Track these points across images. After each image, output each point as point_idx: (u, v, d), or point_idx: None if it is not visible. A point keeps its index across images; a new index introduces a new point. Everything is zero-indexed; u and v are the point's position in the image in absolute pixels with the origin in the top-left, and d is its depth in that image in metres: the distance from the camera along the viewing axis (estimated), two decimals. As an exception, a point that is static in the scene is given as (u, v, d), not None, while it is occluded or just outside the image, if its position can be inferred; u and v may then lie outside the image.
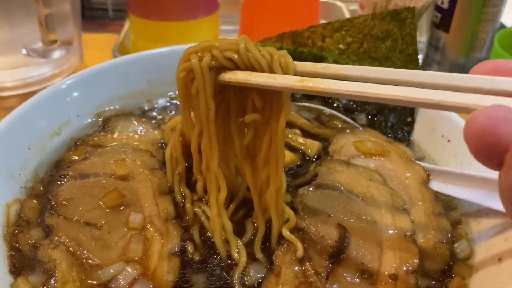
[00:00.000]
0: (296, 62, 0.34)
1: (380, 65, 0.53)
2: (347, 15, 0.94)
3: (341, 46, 0.54)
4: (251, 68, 0.35)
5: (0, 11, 0.72)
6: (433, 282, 0.37)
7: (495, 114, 0.24)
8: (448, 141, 0.48)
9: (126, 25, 0.86)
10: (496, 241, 0.37)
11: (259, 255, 0.38)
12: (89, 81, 0.52)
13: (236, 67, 0.36)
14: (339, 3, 0.98)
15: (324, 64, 0.33)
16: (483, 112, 0.24)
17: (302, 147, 0.50)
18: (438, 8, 0.79)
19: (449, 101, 0.27)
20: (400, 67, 0.52)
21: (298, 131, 0.52)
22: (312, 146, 0.50)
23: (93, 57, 0.88)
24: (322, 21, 0.98)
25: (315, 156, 0.49)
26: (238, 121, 0.38)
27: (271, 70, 0.34)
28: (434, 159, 0.49)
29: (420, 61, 0.86)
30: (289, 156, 0.48)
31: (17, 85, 0.77)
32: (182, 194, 0.43)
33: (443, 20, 0.79)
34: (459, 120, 0.47)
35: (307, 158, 0.49)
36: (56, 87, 0.50)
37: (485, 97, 0.26)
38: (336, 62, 0.55)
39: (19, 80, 0.77)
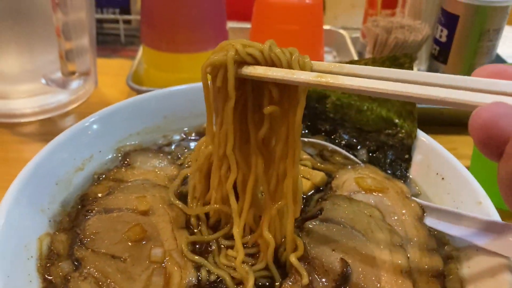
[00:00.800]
0: (312, 62, 0.38)
1: (379, 106, 0.57)
2: (349, 43, 0.99)
3: (343, 86, 0.58)
4: (271, 64, 0.39)
5: (23, 44, 0.77)
6: (426, 313, 0.40)
7: (497, 110, 0.27)
8: (442, 178, 0.51)
9: (139, 54, 0.90)
10: (484, 279, 0.40)
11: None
12: (109, 118, 0.56)
13: (256, 62, 0.39)
14: (342, 31, 1.03)
15: (338, 64, 0.37)
16: (486, 107, 0.28)
17: (309, 177, 0.54)
18: (436, 41, 0.84)
19: (453, 98, 0.30)
20: (398, 107, 0.56)
21: (309, 163, 0.56)
22: (316, 176, 0.54)
23: (107, 83, 0.93)
24: (326, 48, 1.03)
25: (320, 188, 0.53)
26: (255, 115, 0.41)
27: (290, 67, 0.38)
28: (429, 196, 0.52)
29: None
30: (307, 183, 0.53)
31: (35, 112, 0.82)
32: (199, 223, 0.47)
33: (441, 52, 0.83)
34: (453, 159, 0.51)
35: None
36: (79, 126, 0.54)
37: (487, 95, 0.30)
38: (339, 100, 0.60)
39: (38, 107, 0.82)
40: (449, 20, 0.80)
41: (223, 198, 0.45)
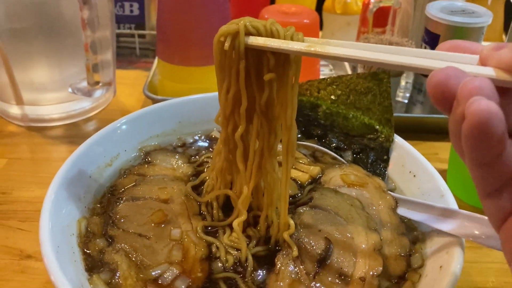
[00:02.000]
0: (304, 38, 0.45)
1: (363, 114, 0.67)
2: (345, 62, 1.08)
3: (332, 97, 0.68)
4: (270, 36, 0.45)
5: (53, 58, 0.87)
6: (392, 284, 0.50)
7: (448, 71, 0.31)
8: (414, 176, 0.61)
9: (153, 66, 1.00)
10: (441, 254, 0.49)
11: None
12: (133, 122, 0.66)
13: (259, 34, 0.45)
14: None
15: (326, 40, 0.43)
16: (440, 70, 0.31)
17: (307, 171, 0.64)
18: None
19: (419, 64, 0.36)
20: (378, 116, 0.66)
21: (305, 160, 0.66)
22: (313, 170, 0.64)
23: (124, 93, 1.03)
24: (323, 62, 1.13)
25: (315, 179, 0.63)
26: (257, 81, 0.48)
27: (285, 39, 0.45)
28: (403, 190, 0.61)
29: (406, 100, 0.99)
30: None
31: (62, 117, 0.91)
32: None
33: (424, 67, 0.92)
34: (423, 159, 0.61)
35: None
36: (109, 128, 0.64)
37: (443, 63, 0.34)
38: (329, 109, 0.69)
39: (64, 112, 0.91)
40: (431, 39, 0.89)
41: (226, 184, 0.55)
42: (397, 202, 0.58)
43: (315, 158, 0.68)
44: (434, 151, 0.88)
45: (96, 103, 0.96)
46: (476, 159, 0.30)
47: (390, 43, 0.93)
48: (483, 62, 0.34)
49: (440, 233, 0.52)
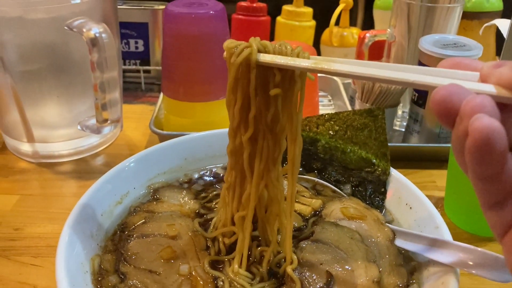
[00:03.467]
0: (310, 56, 0.47)
1: (360, 148, 0.70)
2: (342, 88, 1.12)
3: (331, 132, 0.72)
4: (278, 53, 0.47)
5: (63, 96, 0.90)
6: (392, 313, 0.52)
7: (451, 88, 0.33)
8: (410, 208, 0.64)
9: (159, 102, 1.04)
10: (436, 284, 0.52)
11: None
12: (142, 161, 0.69)
13: (266, 52, 0.47)
14: (335, 78, 1.16)
15: (330, 58, 0.44)
16: (443, 86, 0.33)
17: (309, 204, 0.67)
18: (415, 89, 0.97)
19: (421, 81, 0.37)
20: (375, 150, 0.69)
21: (307, 194, 0.69)
22: (315, 203, 0.67)
23: (131, 127, 1.06)
24: (322, 93, 1.17)
25: (317, 211, 0.66)
26: (262, 97, 0.49)
27: (292, 56, 0.47)
28: (400, 222, 0.64)
29: (403, 129, 1.02)
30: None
31: (70, 153, 0.94)
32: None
33: (420, 98, 0.95)
34: (419, 193, 0.64)
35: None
36: (118, 167, 0.67)
37: (447, 79, 0.35)
38: (327, 143, 0.73)
39: (73, 149, 0.94)
40: (425, 71, 0.93)
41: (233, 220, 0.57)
42: (394, 234, 0.60)
43: (316, 191, 0.71)
44: (432, 179, 0.90)
45: (104, 138, 0.98)
46: (479, 173, 0.32)
47: (386, 75, 0.97)
48: (483, 79, 0.35)
49: (435, 263, 0.55)
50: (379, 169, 0.68)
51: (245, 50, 0.46)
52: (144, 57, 1.21)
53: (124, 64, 1.22)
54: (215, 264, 0.57)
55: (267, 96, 0.49)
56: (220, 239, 0.59)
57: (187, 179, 0.73)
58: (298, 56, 0.46)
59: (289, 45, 0.47)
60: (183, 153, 0.73)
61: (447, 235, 0.56)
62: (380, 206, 0.67)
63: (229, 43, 0.48)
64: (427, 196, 0.63)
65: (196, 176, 0.74)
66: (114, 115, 0.87)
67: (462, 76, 0.36)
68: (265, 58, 0.46)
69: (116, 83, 0.86)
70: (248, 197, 0.54)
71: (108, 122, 0.87)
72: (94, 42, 0.78)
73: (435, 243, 0.56)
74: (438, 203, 0.82)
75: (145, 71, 1.22)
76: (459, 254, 0.53)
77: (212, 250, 0.59)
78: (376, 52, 1.09)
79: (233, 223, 0.57)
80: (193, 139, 0.74)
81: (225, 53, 0.48)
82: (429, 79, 0.37)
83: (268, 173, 0.53)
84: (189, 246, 0.58)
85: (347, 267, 0.55)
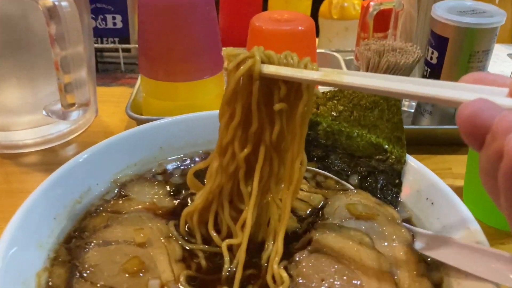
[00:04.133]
0: (319, 68, 0.43)
1: (369, 132, 0.59)
2: (343, 65, 1.01)
3: (333, 113, 0.60)
4: (284, 64, 0.43)
5: (24, 77, 0.79)
6: None
7: (480, 104, 0.31)
8: (432, 203, 0.53)
9: (137, 83, 0.92)
10: (471, 304, 0.41)
11: None
12: (106, 151, 0.58)
13: (270, 62, 0.43)
14: (336, 54, 1.05)
15: (341, 70, 0.40)
16: (471, 102, 0.31)
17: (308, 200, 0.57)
18: (427, 63, 0.85)
19: (443, 95, 0.34)
20: (387, 134, 0.58)
21: (305, 187, 0.58)
22: (314, 199, 0.57)
23: (107, 112, 0.95)
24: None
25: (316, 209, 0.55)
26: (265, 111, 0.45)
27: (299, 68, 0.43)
28: (420, 220, 0.54)
29: (413, 110, 0.92)
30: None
31: (37, 142, 0.83)
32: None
33: (432, 73, 0.84)
34: (442, 184, 0.53)
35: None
36: (75, 161, 0.55)
37: (472, 94, 0.33)
38: (330, 127, 0.61)
39: (39, 137, 0.83)
40: (439, 43, 0.81)
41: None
42: (413, 236, 0.49)
43: (316, 182, 0.59)
44: (447, 166, 0.80)
45: (75, 125, 0.88)
46: None
47: (393, 49, 0.85)
48: None
49: (468, 276, 0.44)
50: (393, 157, 0.57)
51: (248, 60, 0.43)
52: (123, 35, 1.09)
53: (101, 42, 1.10)
54: (193, 280, 0.46)
55: (270, 111, 0.45)
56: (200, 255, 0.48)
57: (161, 169, 0.61)
58: (305, 68, 0.43)
59: (295, 55, 0.44)
60: (157, 141, 0.62)
61: (481, 239, 0.45)
62: (394, 201, 0.56)
63: (230, 51, 0.45)
64: (443, 185, 0.53)
65: (174, 166, 0.62)
66: (82, 98, 0.77)
67: (489, 92, 0.33)
68: (270, 69, 0.43)
69: (82, 61, 0.75)
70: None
71: (75, 106, 0.77)
72: (52, 12, 0.67)
73: (465, 249, 0.45)
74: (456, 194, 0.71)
75: (125, 50, 1.10)
76: (498, 265, 0.42)
77: (193, 264, 0.48)
78: (382, 23, 0.97)
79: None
80: (169, 124, 0.63)
81: (225, 63, 0.45)
82: (454, 93, 0.34)
83: (267, 193, 0.50)
84: (161, 255, 0.47)
85: (355, 281, 0.44)
